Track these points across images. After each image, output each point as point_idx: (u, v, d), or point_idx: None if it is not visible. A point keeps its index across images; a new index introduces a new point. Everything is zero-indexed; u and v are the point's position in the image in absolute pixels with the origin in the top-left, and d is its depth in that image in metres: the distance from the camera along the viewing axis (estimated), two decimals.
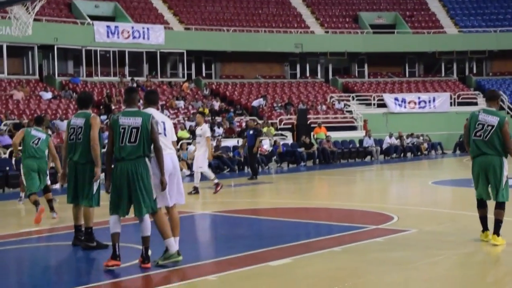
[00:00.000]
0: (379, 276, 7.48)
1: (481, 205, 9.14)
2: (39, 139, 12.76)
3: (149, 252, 7.91)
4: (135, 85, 35.77)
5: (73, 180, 9.35)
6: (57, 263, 8.91)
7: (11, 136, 23.87)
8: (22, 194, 15.47)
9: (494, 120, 8.87)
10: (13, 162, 19.18)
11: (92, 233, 9.37)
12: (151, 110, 8.17)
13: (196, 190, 16.65)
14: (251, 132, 21.60)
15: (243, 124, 30.31)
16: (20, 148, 13.42)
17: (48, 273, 8.19)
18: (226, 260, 8.32)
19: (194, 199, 15.57)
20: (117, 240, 7.84)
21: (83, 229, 9.48)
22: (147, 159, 7.88)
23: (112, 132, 7.93)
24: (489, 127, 8.87)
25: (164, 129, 8.16)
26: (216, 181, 16.72)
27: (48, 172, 13.15)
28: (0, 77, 33.32)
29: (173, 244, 7.93)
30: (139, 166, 7.81)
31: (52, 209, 12.76)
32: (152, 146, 7.89)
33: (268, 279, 7.35)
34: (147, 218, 7.88)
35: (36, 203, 12.36)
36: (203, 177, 16.80)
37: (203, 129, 16.90)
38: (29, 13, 16.62)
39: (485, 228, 9.16)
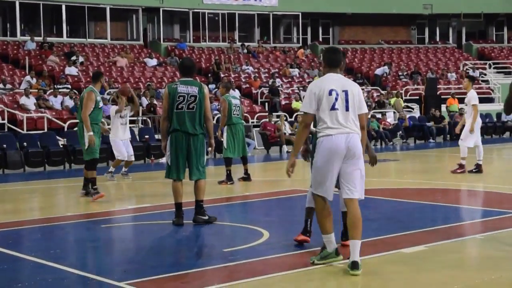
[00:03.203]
0: None
1: None
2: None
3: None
4: (245, 51, 36.09)
5: (184, 152, 9.57)
6: (169, 242, 9.16)
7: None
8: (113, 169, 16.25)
9: None
10: None
11: (203, 206, 9.79)
12: (329, 76, 7.09)
13: (478, 168, 15.88)
14: None
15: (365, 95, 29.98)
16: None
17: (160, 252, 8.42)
18: None
19: None
20: (309, 215, 8.15)
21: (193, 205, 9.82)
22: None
23: None
24: None
25: (347, 100, 6.97)
26: (462, 162, 15.84)
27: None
28: (103, 42, 34.43)
29: (331, 241, 7.31)
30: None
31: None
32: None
33: (402, 267, 7.25)
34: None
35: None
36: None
37: (468, 96, 15.81)
38: None
39: None
